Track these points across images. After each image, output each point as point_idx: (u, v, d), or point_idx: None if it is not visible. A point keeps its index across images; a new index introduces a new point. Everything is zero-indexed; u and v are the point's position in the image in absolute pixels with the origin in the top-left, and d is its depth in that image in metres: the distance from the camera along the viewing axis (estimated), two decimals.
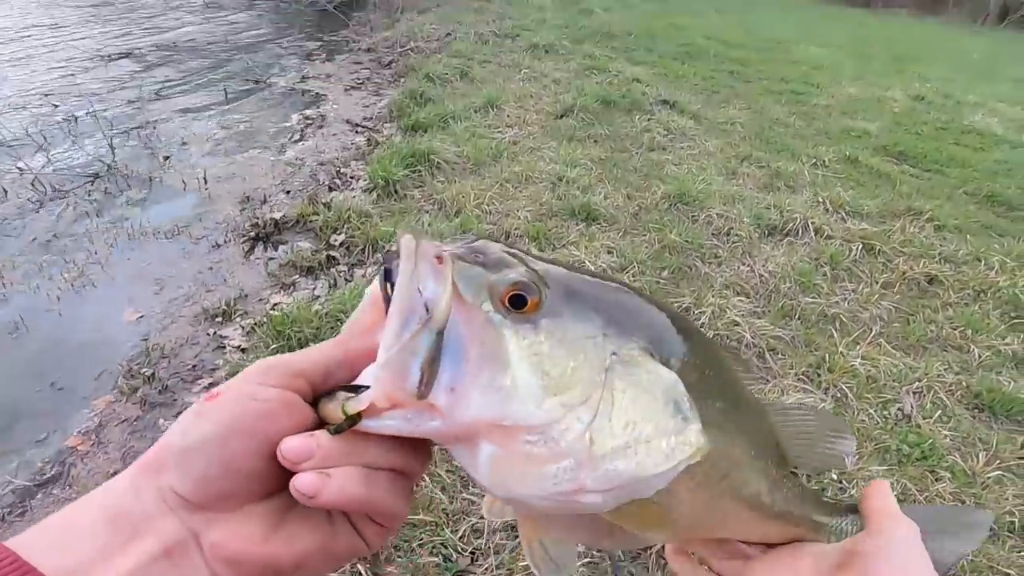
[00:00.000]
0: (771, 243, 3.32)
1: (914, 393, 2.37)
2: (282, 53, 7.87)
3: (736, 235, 3.32)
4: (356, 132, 4.85)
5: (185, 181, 4.03)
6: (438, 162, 3.87)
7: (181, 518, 0.35)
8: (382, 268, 0.40)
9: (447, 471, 1.89)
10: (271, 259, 3.15)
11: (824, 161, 4.45)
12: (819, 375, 2.41)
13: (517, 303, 0.39)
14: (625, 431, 0.38)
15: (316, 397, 0.39)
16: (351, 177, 3.94)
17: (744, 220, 3.43)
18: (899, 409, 2.29)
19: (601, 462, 0.37)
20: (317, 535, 0.39)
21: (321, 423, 0.38)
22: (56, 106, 5.58)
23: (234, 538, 0.36)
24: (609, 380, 0.39)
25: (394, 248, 0.40)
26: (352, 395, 0.38)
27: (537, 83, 5.80)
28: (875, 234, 3.44)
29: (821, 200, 3.79)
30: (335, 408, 0.38)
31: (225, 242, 3.32)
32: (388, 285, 0.39)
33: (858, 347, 2.56)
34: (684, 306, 2.69)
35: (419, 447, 0.40)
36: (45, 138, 4.62)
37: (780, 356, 2.50)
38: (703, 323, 2.58)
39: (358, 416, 0.37)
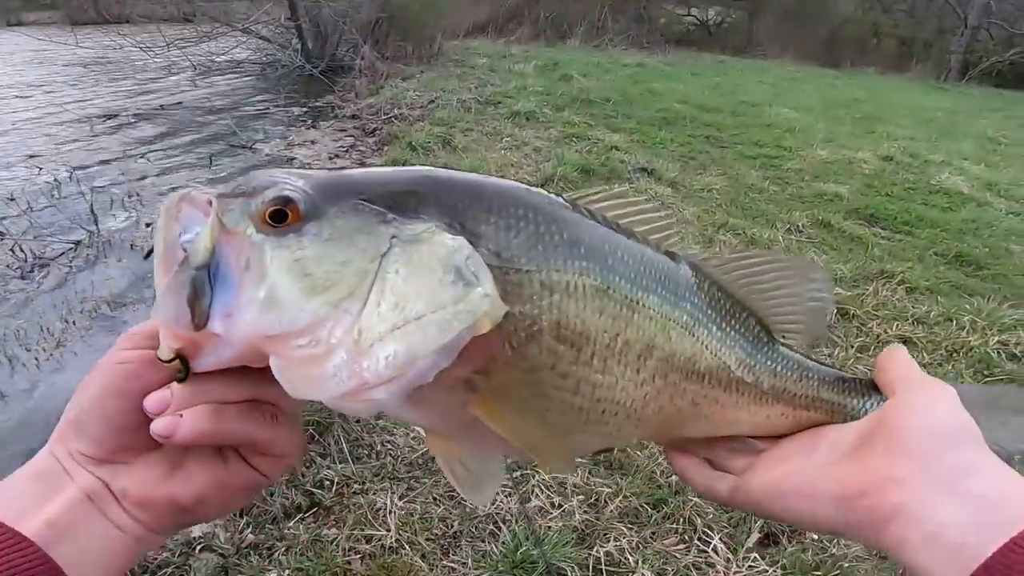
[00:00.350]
0: None
1: None
2: (267, 118, 8.02)
3: None
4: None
5: None
6: None
7: (92, 472, 0.42)
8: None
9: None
10: None
11: (798, 226, 4.57)
12: None
13: (278, 218, 0.39)
14: (394, 313, 0.37)
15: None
16: None
17: None
18: None
19: (371, 351, 0.36)
20: (211, 472, 0.44)
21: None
22: (39, 169, 5.62)
23: (136, 483, 0.42)
24: (383, 266, 0.39)
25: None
26: None
27: (518, 151, 5.94)
28: (849, 298, 3.51)
29: None
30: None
31: None
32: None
33: None
34: None
35: (267, 375, 0.40)
36: (28, 202, 4.63)
37: None
38: None
39: (183, 361, 0.40)
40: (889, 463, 0.43)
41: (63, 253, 3.95)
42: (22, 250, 3.90)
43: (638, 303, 0.49)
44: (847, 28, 20.43)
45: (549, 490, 2.10)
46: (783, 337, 0.58)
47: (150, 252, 0.43)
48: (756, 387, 0.56)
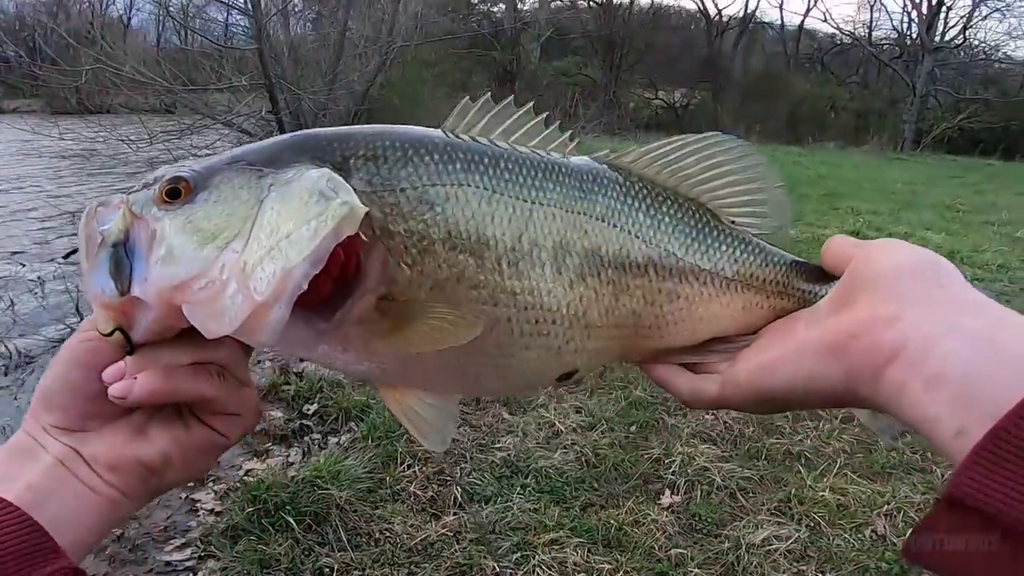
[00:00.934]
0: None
1: (885, 515, 2.42)
2: None
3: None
4: None
5: None
6: None
7: (63, 441, 0.46)
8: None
9: None
10: None
11: None
12: (791, 508, 2.45)
13: (173, 195, 0.45)
14: (271, 239, 0.42)
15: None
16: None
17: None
18: (873, 531, 2.34)
19: (255, 274, 0.41)
20: (173, 434, 0.48)
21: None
22: (23, 265, 5.64)
23: (105, 447, 0.46)
24: (262, 208, 0.44)
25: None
26: None
27: None
28: None
29: None
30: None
31: None
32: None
33: (825, 479, 2.63)
34: (654, 456, 2.75)
35: (206, 340, 0.45)
36: (12, 300, 4.63)
37: (751, 495, 2.55)
38: (674, 471, 2.63)
39: (125, 335, 0.45)
40: (876, 305, 0.41)
41: (47, 350, 3.93)
42: (7, 347, 3.88)
43: (534, 201, 0.49)
44: (806, 104, 21.49)
45: (550, 569, 2.08)
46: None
47: (72, 251, 0.50)
48: (718, 274, 0.53)
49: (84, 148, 11.99)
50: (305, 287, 0.42)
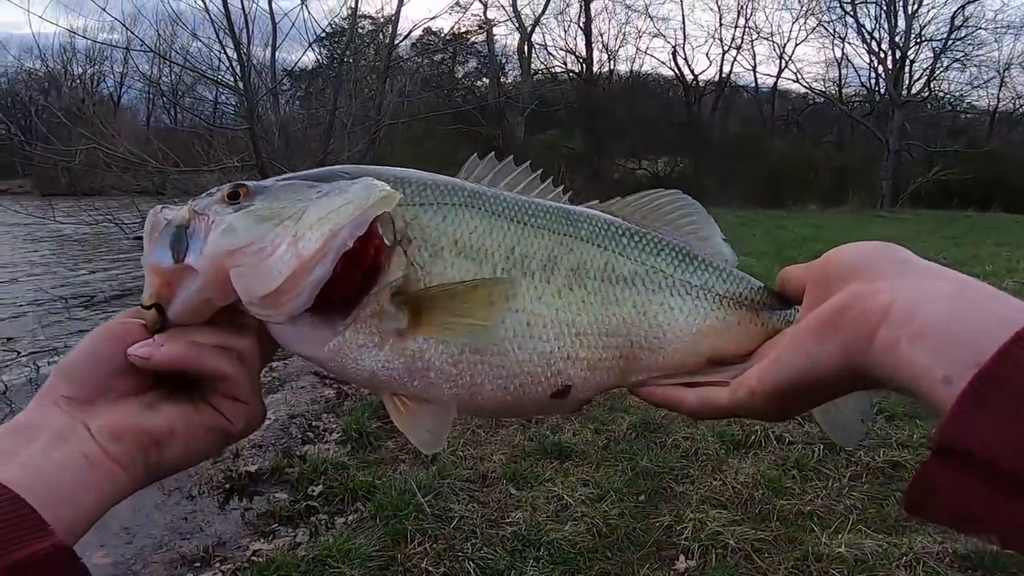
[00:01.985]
0: (738, 456, 3.43)
1: (905, 567, 2.40)
2: None
3: (704, 454, 3.43)
4: (324, 385, 4.88)
5: None
6: None
7: (71, 414, 0.45)
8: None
9: None
10: (248, 509, 3.06)
11: None
12: (808, 566, 2.42)
13: (234, 197, 0.52)
14: (321, 211, 0.49)
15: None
16: (324, 430, 3.94)
17: (709, 439, 3.56)
18: None
19: (304, 236, 0.48)
20: (181, 410, 0.49)
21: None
22: (17, 353, 5.61)
23: (114, 418, 0.46)
24: (314, 200, 0.51)
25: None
26: None
27: None
28: None
29: None
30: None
31: (199, 494, 3.23)
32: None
33: (840, 536, 2.60)
34: (665, 524, 2.73)
35: (240, 328, 0.51)
36: (7, 387, 4.59)
37: (767, 555, 2.52)
38: (686, 536, 2.61)
39: (160, 311, 0.49)
40: (855, 285, 0.43)
41: None
42: None
43: (526, 223, 0.56)
44: (784, 164, 21.96)
45: None
46: None
47: (137, 237, 0.56)
48: (710, 290, 0.58)
49: (74, 231, 12.09)
50: (350, 244, 0.48)
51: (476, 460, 3.36)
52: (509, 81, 24.32)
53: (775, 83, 28.29)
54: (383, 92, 11.67)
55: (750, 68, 31.64)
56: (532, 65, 24.27)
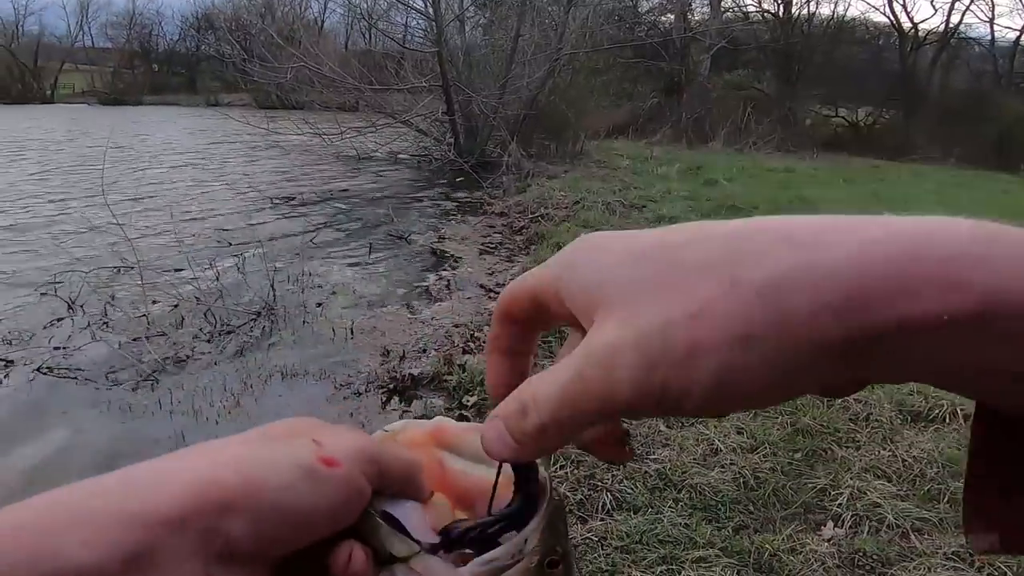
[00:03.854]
0: (916, 429, 3.14)
1: None
2: (421, 211, 8.65)
3: (876, 420, 3.17)
4: (489, 297, 5.06)
5: (334, 330, 4.39)
6: (567, 335, 3.99)
7: (208, 566, 0.28)
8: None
9: None
10: (406, 411, 3.33)
11: None
12: (971, 554, 2.21)
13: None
14: None
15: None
16: (484, 342, 4.11)
17: (885, 405, 3.28)
18: None
19: None
20: None
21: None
22: (230, 244, 6.39)
23: None
24: None
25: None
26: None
27: None
28: None
29: None
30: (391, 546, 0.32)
31: (365, 391, 3.55)
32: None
33: None
34: (819, 486, 2.60)
35: None
36: (219, 273, 5.24)
37: (927, 536, 2.34)
38: (840, 503, 2.47)
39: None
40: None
41: (245, 323, 4.42)
42: (213, 316, 4.41)
43: None
44: (1019, 127, 19.02)
45: None
46: None
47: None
48: None
49: (282, 139, 13.39)
50: None
51: None
52: (696, 18, 22.88)
53: (1018, 37, 24.23)
54: (565, 22, 11.51)
55: (987, 19, 27.27)
56: (723, 2, 22.64)
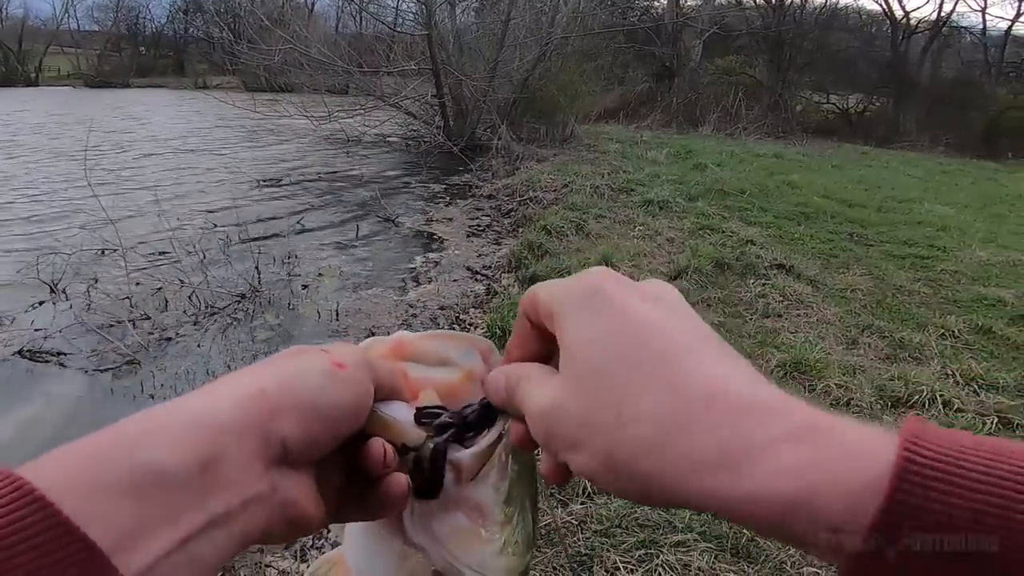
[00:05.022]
0: (895, 415, 3.17)
1: None
2: (409, 193, 8.60)
3: (856, 406, 3.19)
4: (475, 280, 5.05)
5: (319, 312, 4.37)
6: None
7: (269, 469, 0.32)
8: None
9: None
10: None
11: (953, 331, 4.25)
12: None
13: None
14: None
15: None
16: (469, 324, 4.09)
17: (865, 391, 3.30)
18: None
19: None
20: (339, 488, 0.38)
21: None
22: (215, 225, 6.33)
23: (299, 498, 0.33)
24: None
25: None
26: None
27: (651, 241, 5.93)
28: (1013, 408, 3.21)
29: (950, 372, 3.59)
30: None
31: None
32: None
33: None
34: None
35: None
36: (204, 255, 5.20)
37: None
38: None
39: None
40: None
41: (229, 304, 4.39)
42: (198, 298, 4.37)
43: None
44: (1007, 116, 19.12)
45: (673, 571, 2.06)
46: None
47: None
48: None
49: (271, 122, 13.25)
50: None
51: None
52: (688, 3, 22.76)
53: (1009, 27, 24.22)
54: (557, 6, 11.42)
55: (978, 9, 27.23)
56: None
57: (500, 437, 0.40)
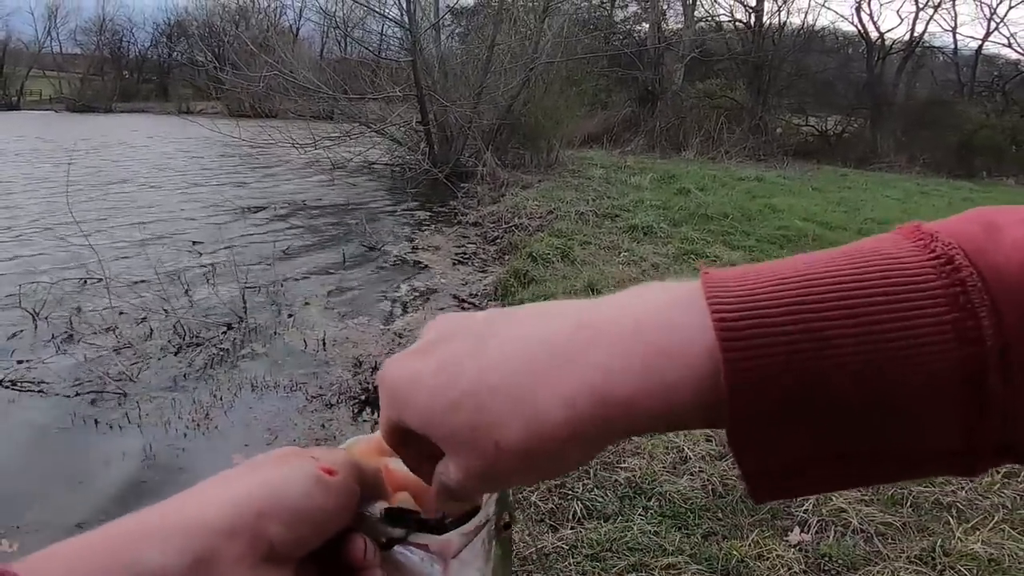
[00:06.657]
0: None
1: None
2: (395, 220, 8.63)
3: None
4: (462, 308, 5.06)
5: (306, 341, 4.35)
6: None
7: (255, 567, 0.34)
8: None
9: None
10: (378, 423, 3.28)
11: None
12: (934, 559, 2.25)
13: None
14: None
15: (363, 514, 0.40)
16: None
17: None
18: None
19: None
20: None
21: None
22: (200, 254, 6.31)
23: None
24: None
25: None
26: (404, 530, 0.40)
27: (636, 267, 5.94)
28: None
29: None
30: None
31: (337, 403, 3.52)
32: None
33: (978, 533, 2.39)
34: None
35: None
36: (188, 283, 5.17)
37: (890, 541, 2.38)
38: (806, 509, 2.51)
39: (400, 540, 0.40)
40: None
41: (215, 335, 4.36)
42: (182, 327, 4.35)
43: None
44: (980, 135, 19.55)
45: None
46: None
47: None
48: None
49: (256, 148, 13.26)
50: None
51: None
52: (670, 28, 23.20)
53: (980, 47, 24.86)
54: (540, 31, 11.60)
55: (949, 29, 27.92)
56: (696, 12, 22.99)
57: (486, 521, 0.41)
